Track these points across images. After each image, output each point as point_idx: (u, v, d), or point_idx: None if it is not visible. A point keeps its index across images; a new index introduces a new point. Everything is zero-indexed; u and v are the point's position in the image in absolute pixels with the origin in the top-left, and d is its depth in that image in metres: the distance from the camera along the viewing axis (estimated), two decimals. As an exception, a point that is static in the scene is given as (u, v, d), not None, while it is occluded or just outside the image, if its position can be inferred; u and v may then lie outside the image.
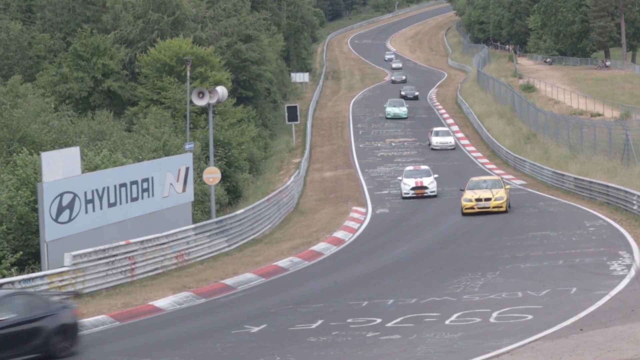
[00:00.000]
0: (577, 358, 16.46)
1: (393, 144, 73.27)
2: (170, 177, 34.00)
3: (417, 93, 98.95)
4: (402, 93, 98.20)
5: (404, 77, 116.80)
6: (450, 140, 69.61)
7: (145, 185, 32.73)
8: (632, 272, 25.50)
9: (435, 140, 69.24)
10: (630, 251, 29.35)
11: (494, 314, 21.11)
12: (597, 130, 54.65)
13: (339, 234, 37.56)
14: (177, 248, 32.33)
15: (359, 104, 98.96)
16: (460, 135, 76.70)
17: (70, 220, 29.43)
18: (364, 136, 78.17)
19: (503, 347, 17.88)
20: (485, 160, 64.82)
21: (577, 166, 52.08)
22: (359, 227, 40.77)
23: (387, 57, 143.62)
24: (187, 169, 34.98)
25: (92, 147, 40.66)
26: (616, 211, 39.71)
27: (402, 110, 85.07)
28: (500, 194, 41.77)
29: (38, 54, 78.03)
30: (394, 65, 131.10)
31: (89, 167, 34.07)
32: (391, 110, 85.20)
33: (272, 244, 36.89)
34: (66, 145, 40.75)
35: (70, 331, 20.17)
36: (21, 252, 29.52)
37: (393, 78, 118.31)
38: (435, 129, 72.38)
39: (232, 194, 53.54)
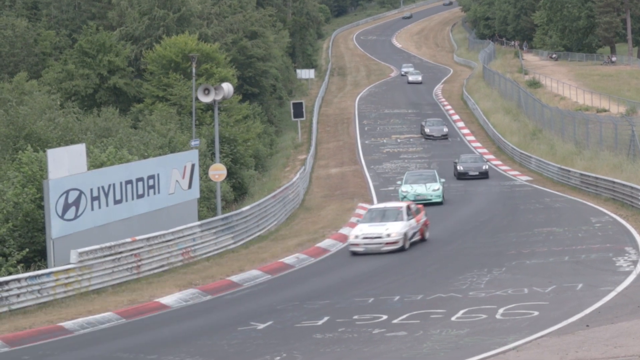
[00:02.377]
0: (584, 354, 16.44)
1: (399, 140, 73.30)
2: (176, 174, 34.00)
3: (446, 130, 73.31)
4: (427, 130, 71.76)
5: (441, 124, 76.20)
6: None
7: (151, 182, 32.75)
8: (638, 268, 25.48)
9: None
10: (636, 247, 29.33)
11: (500, 310, 21.10)
12: (603, 126, 54.58)
13: (345, 231, 37.51)
14: (183, 245, 32.35)
15: (365, 100, 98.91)
16: (466, 131, 76.67)
17: (76, 217, 29.45)
18: (369, 132, 78.16)
19: (509, 343, 17.86)
20: (491, 157, 64.77)
21: (583, 162, 52.04)
22: (364, 224, 40.72)
23: (404, 70, 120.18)
24: (193, 165, 34.98)
25: (98, 144, 40.67)
26: (622, 207, 39.67)
27: (431, 190, 46.17)
28: None
29: (44, 51, 78.21)
30: (410, 79, 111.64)
31: (94, 164, 34.06)
32: (410, 189, 46.16)
33: (278, 241, 36.89)
34: (72, 142, 40.69)
35: None
36: (27, 250, 29.52)
37: (425, 127, 75.35)
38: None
39: (238, 191, 53.59)
